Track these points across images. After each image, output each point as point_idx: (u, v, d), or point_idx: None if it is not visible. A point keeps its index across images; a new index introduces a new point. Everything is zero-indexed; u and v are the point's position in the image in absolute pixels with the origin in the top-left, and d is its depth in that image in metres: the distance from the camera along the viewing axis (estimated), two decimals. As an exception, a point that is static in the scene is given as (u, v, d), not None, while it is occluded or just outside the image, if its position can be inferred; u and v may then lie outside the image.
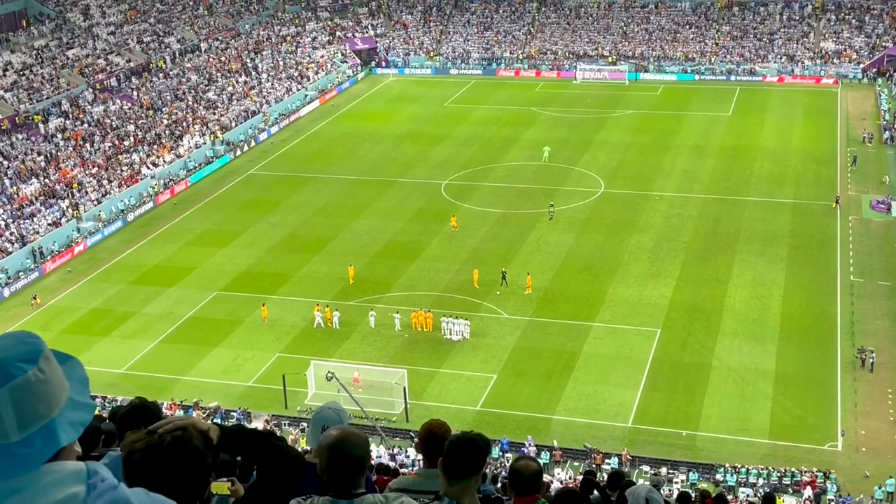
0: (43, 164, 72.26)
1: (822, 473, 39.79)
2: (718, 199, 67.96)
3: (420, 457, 6.23)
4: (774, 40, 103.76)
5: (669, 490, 36.18)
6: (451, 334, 50.97)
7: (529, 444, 41.17)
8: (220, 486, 6.41)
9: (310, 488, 4.54)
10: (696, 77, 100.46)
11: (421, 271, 58.76)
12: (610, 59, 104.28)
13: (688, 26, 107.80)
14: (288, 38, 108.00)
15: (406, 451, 41.26)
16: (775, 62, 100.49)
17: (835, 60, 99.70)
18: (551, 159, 76.08)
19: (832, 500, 38.27)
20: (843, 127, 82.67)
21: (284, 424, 44.40)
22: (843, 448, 41.83)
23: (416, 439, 5.89)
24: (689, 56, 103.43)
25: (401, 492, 5.21)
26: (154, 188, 73.96)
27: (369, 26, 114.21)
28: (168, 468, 3.32)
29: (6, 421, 2.64)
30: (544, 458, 40.72)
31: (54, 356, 2.84)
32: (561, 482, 34.28)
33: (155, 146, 79.35)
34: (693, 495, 18.99)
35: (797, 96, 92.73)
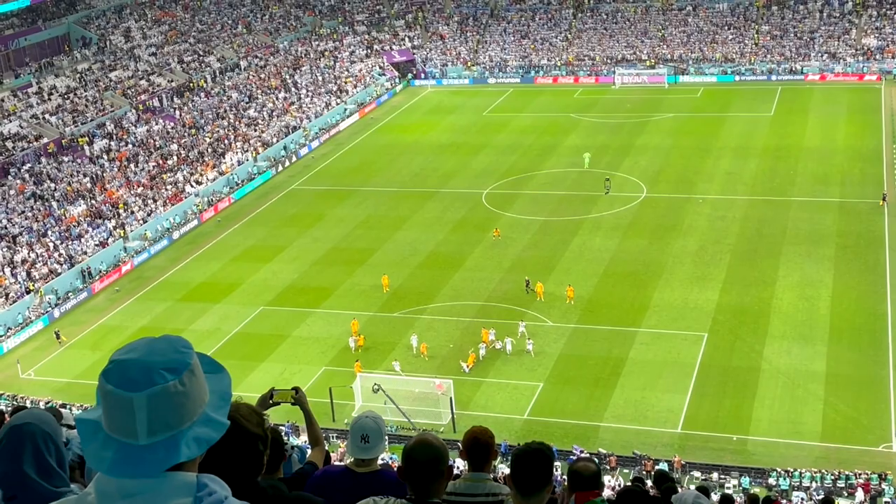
0: (89, 185, 73.34)
1: (877, 475, 39.16)
2: (763, 200, 67.28)
3: (465, 465, 6.25)
4: (815, 38, 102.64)
5: (720, 494, 35.80)
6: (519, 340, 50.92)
7: (580, 453, 40.92)
8: (284, 394, 6.60)
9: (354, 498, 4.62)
10: (737, 78, 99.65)
11: (464, 281, 58.75)
12: (648, 63, 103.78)
13: (726, 27, 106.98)
14: (326, 52, 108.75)
15: (455, 462, 41.23)
16: (817, 60, 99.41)
17: (877, 56, 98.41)
18: (592, 165, 75.78)
19: (889, 503, 37.61)
20: (888, 123, 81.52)
21: (332, 437, 44.54)
22: (898, 449, 41.18)
23: (460, 447, 5.90)
24: (729, 57, 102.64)
25: (451, 495, 5.24)
26: (198, 206, 74.75)
27: (406, 38, 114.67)
28: (220, 450, 3.43)
29: (138, 424, 2.71)
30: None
31: (204, 364, 2.90)
32: (612, 489, 34.05)
33: (198, 164, 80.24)
34: (741, 500, 18.78)
35: (840, 94, 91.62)
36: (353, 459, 6.62)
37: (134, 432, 2.71)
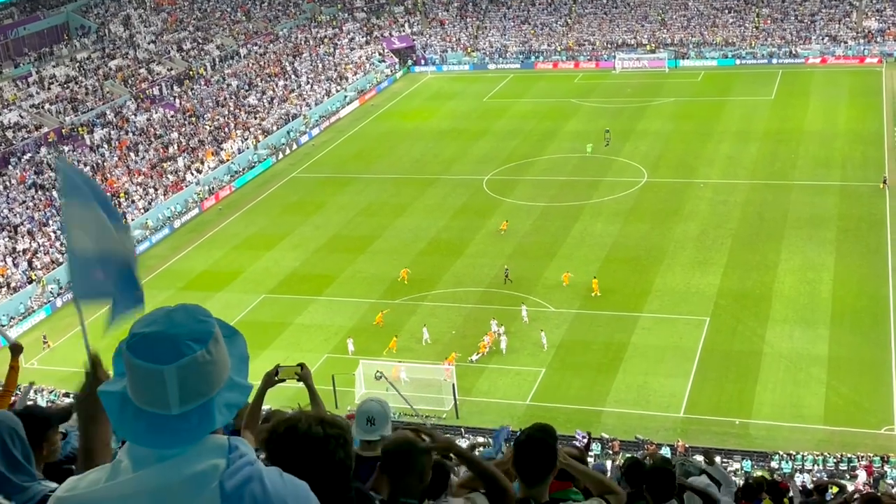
0: (90, 174, 73.14)
1: (879, 458, 39.24)
2: (764, 185, 67.21)
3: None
4: (816, 21, 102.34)
5: (742, 484, 35.82)
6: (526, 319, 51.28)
7: (582, 437, 40.96)
8: (289, 371, 6.62)
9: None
10: (737, 62, 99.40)
11: (466, 268, 58.75)
12: (649, 48, 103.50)
13: (727, 11, 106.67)
14: (325, 39, 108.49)
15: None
16: (817, 43, 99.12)
17: (878, 39, 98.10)
18: (594, 151, 75.56)
19: (892, 485, 37.69)
20: (889, 106, 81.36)
21: (335, 424, 44.56)
22: (901, 432, 41.27)
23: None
24: (730, 41, 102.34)
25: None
26: (199, 194, 74.72)
27: (406, 24, 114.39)
28: (303, 465, 3.39)
29: (170, 395, 2.76)
30: (595, 449, 40.56)
31: (221, 328, 2.98)
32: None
33: (198, 153, 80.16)
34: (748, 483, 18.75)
35: (841, 77, 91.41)
36: (358, 444, 6.64)
37: (166, 403, 2.76)
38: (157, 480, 2.73)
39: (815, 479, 37.33)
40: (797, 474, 38.77)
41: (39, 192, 69.62)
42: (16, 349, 8.22)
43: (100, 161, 75.32)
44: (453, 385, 45.24)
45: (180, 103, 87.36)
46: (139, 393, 2.79)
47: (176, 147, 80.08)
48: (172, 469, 2.74)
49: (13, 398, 8.85)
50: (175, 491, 2.72)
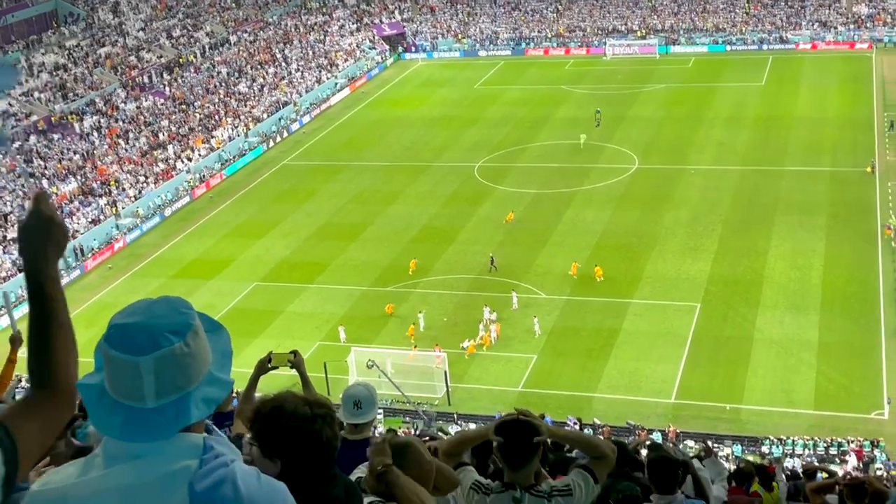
0: (80, 162, 73.04)
1: (869, 442, 39.45)
2: (755, 171, 67.30)
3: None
4: (806, 7, 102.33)
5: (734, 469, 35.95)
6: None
7: (573, 424, 41.11)
8: (281, 358, 6.65)
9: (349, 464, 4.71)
10: (728, 48, 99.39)
11: (457, 255, 58.77)
12: (639, 34, 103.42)
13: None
14: (316, 26, 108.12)
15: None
16: (808, 29, 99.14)
17: (868, 24, 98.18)
18: (587, 139, 75.53)
19: (880, 469, 37.91)
20: (878, 92, 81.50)
21: (328, 412, 44.55)
22: (890, 416, 41.45)
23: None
24: (720, 27, 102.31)
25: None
26: (189, 182, 74.54)
27: (396, 11, 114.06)
28: (287, 444, 3.45)
29: (146, 387, 2.72)
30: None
31: (204, 322, 2.90)
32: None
33: (189, 140, 79.94)
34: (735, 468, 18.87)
35: (831, 63, 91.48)
36: (346, 427, 6.69)
37: (142, 396, 2.73)
38: (128, 478, 2.71)
39: (805, 462, 37.59)
40: (788, 459, 38.98)
41: (30, 181, 69.33)
42: (15, 341, 8.30)
43: (90, 149, 75.04)
44: (445, 372, 45.32)
45: (170, 91, 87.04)
46: (116, 385, 2.75)
47: (166, 135, 79.84)
48: (144, 467, 2.72)
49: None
50: (145, 490, 2.70)
